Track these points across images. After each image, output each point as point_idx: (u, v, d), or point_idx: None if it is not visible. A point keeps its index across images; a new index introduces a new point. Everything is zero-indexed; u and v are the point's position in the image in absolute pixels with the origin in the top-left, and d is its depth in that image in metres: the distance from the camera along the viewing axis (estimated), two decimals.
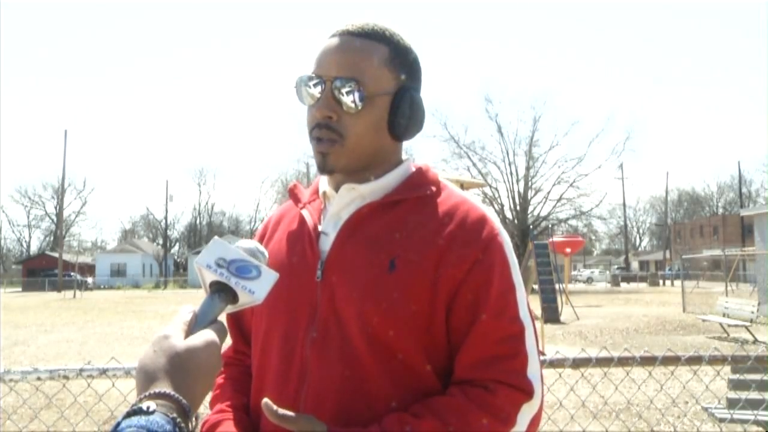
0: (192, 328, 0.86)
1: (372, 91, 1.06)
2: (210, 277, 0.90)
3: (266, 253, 0.96)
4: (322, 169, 1.10)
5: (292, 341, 1.07)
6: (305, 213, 1.16)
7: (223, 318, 0.91)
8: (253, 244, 0.95)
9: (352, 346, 1.02)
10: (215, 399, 1.20)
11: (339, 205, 1.12)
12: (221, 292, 0.90)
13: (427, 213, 1.08)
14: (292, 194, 1.21)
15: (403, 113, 1.09)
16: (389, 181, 1.12)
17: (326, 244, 1.10)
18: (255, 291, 0.90)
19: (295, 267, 1.11)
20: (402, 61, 1.11)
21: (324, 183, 1.17)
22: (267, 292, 0.91)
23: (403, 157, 1.18)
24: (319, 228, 1.13)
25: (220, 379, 1.25)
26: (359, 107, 1.05)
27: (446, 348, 1.05)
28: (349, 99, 1.05)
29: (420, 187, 1.12)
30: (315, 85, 1.08)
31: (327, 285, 1.07)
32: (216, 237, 0.95)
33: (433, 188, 1.12)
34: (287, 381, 1.06)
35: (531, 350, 1.04)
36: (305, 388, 1.04)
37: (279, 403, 1.04)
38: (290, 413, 0.96)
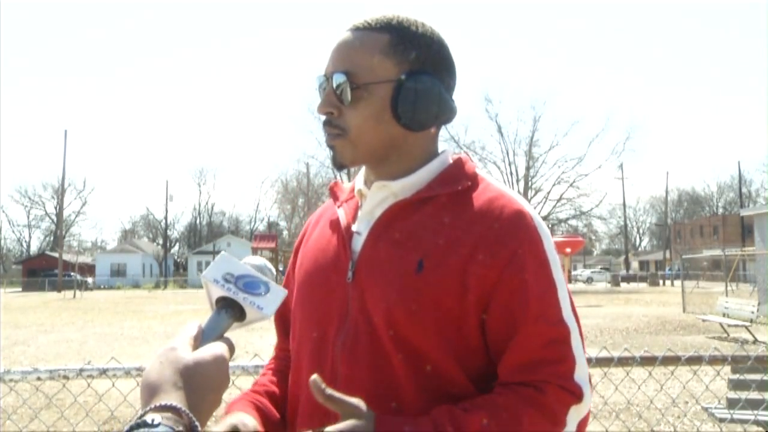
0: (199, 343, 0.83)
1: (366, 80, 1.04)
2: (217, 292, 0.88)
3: (273, 270, 0.95)
4: (334, 164, 1.09)
5: (324, 344, 1.06)
6: (340, 212, 1.14)
7: (229, 334, 0.89)
8: (261, 260, 0.93)
9: (381, 349, 1.00)
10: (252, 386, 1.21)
11: (372, 203, 1.10)
12: (228, 308, 0.88)
13: (460, 210, 1.04)
14: (332, 192, 1.20)
15: (405, 100, 1.03)
16: (422, 176, 1.08)
17: (358, 244, 1.08)
18: (263, 307, 0.88)
19: (327, 268, 1.10)
20: (408, 47, 1.05)
21: (360, 180, 1.16)
22: (275, 309, 0.89)
23: (441, 148, 1.14)
24: (353, 227, 1.11)
25: (263, 369, 1.26)
26: (353, 100, 1.04)
27: (481, 351, 1.01)
28: (342, 94, 1.04)
29: (453, 182, 1.07)
30: (321, 85, 1.09)
31: (357, 286, 1.04)
32: (223, 252, 0.92)
33: (468, 183, 1.07)
34: None
35: (578, 353, 0.99)
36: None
37: (311, 407, 1.02)
38: (338, 394, 0.90)
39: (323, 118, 1.08)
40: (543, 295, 0.99)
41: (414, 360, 0.99)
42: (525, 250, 1.00)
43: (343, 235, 1.10)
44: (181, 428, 0.70)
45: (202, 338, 0.84)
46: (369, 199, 1.10)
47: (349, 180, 1.25)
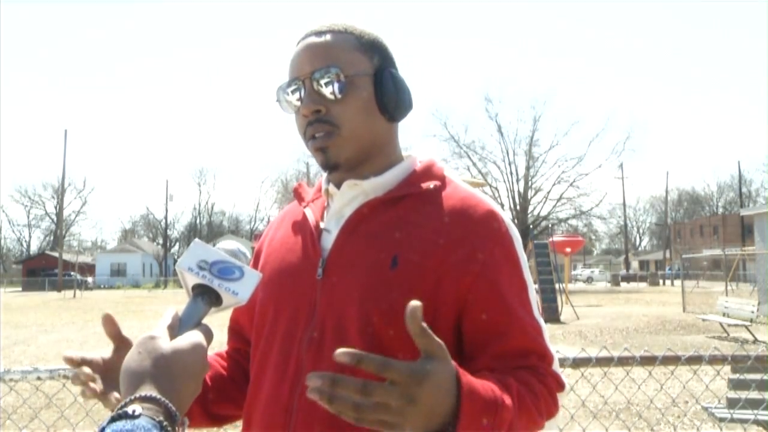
0: (177, 331, 0.84)
1: (351, 73, 1.06)
2: (192, 279, 0.89)
3: (248, 254, 0.95)
4: (325, 166, 1.08)
5: (291, 341, 1.06)
6: (308, 211, 1.15)
7: (207, 320, 0.89)
8: (234, 245, 0.93)
9: (347, 346, 0.97)
10: None
11: (341, 202, 1.11)
12: (204, 294, 0.88)
13: (432, 209, 1.06)
14: (297, 193, 1.20)
15: (388, 90, 1.08)
16: (392, 176, 1.10)
17: (328, 241, 1.09)
18: (238, 292, 0.88)
19: (296, 266, 1.10)
20: (371, 45, 1.10)
21: (327, 180, 1.16)
22: (251, 293, 0.89)
23: (405, 153, 1.16)
24: (322, 225, 1.12)
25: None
26: (343, 92, 1.05)
27: (452, 351, 0.99)
28: (329, 89, 1.05)
29: (424, 182, 1.09)
30: (293, 91, 1.08)
31: (327, 284, 1.05)
32: (196, 239, 0.92)
33: (438, 183, 1.10)
34: (282, 381, 1.05)
35: (551, 347, 1.05)
36: (299, 389, 1.02)
37: (272, 403, 1.04)
38: (428, 329, 0.82)
39: (304, 120, 1.07)
40: (518, 294, 1.04)
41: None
42: (498, 253, 1.04)
43: (312, 232, 1.11)
44: (161, 417, 0.71)
45: (180, 326, 0.84)
46: (338, 197, 1.11)
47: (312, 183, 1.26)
